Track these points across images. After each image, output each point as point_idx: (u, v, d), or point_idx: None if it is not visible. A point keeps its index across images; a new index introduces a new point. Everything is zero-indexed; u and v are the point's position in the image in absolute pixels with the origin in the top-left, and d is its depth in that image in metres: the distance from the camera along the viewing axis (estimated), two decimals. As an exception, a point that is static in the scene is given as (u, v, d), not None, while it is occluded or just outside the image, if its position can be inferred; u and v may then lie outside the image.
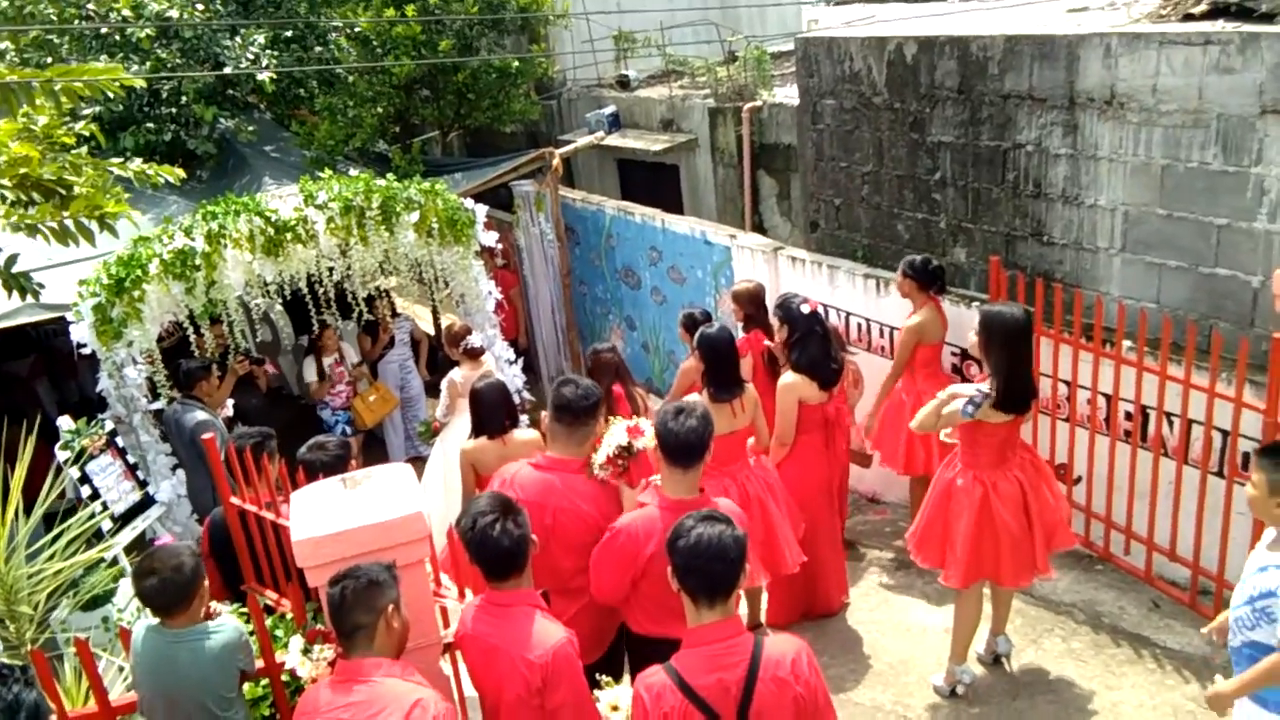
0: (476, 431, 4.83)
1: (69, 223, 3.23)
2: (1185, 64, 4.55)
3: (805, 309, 4.90)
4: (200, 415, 5.90)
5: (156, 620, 3.06)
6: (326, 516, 2.91)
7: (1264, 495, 3.01)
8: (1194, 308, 4.82)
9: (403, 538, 2.94)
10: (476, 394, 4.84)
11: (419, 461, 7.12)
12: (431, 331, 9.60)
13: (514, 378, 7.30)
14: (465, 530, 2.94)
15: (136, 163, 3.93)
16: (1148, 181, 4.85)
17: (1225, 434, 4.40)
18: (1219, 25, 4.51)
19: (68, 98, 3.02)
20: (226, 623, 3.14)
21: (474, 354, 6.56)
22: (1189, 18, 4.81)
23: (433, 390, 8.89)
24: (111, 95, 3.42)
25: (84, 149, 4.05)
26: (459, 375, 6.50)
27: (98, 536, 4.96)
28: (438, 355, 8.81)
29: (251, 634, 3.24)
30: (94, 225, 3.29)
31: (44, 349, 8.94)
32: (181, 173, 4.01)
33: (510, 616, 2.90)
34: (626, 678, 3.26)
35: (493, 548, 2.89)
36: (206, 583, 3.14)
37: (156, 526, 6.10)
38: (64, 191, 3.43)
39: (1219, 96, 4.46)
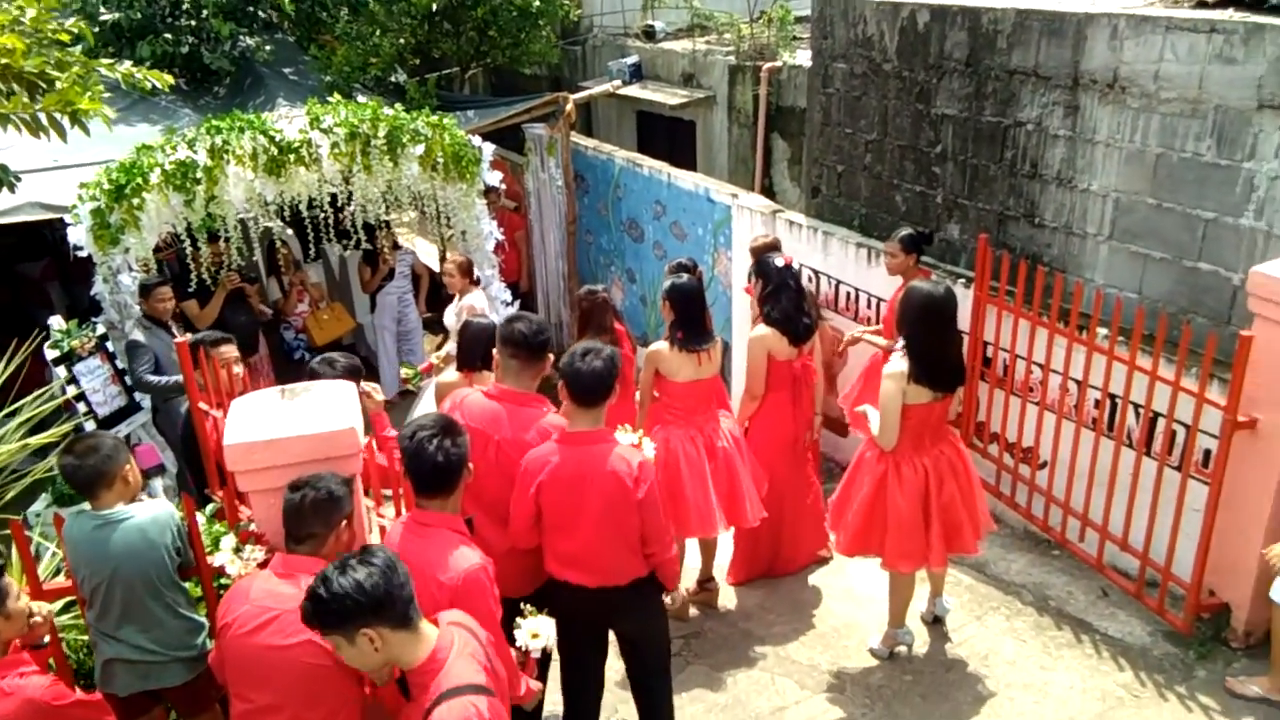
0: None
1: (41, 116, 3.28)
2: (1189, 51, 4.46)
3: (779, 262, 4.92)
4: (133, 336, 5.95)
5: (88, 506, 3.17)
6: (260, 423, 2.97)
7: None
8: (1174, 301, 4.77)
9: (334, 452, 2.98)
10: (465, 326, 4.89)
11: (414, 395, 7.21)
12: (436, 267, 9.65)
13: (509, 319, 7.35)
14: (403, 440, 3.00)
15: (126, 65, 3.98)
16: (1141, 170, 4.78)
17: (1187, 428, 4.38)
18: (1228, 14, 4.41)
19: (52, -9, 3.06)
20: (154, 505, 3.23)
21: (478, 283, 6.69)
22: (1201, 5, 4.70)
23: (430, 326, 8.98)
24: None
25: (78, 48, 4.09)
26: (479, 300, 6.54)
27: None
28: (440, 291, 8.86)
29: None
30: (66, 121, 3.34)
31: (58, 253, 9.09)
32: (170, 79, 4.04)
33: (430, 536, 2.96)
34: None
35: (428, 461, 2.93)
36: (131, 468, 3.21)
37: (141, 433, 6.26)
38: (45, 85, 3.48)
39: (1218, 87, 4.37)
